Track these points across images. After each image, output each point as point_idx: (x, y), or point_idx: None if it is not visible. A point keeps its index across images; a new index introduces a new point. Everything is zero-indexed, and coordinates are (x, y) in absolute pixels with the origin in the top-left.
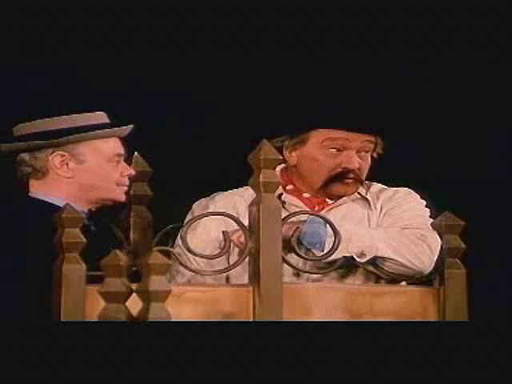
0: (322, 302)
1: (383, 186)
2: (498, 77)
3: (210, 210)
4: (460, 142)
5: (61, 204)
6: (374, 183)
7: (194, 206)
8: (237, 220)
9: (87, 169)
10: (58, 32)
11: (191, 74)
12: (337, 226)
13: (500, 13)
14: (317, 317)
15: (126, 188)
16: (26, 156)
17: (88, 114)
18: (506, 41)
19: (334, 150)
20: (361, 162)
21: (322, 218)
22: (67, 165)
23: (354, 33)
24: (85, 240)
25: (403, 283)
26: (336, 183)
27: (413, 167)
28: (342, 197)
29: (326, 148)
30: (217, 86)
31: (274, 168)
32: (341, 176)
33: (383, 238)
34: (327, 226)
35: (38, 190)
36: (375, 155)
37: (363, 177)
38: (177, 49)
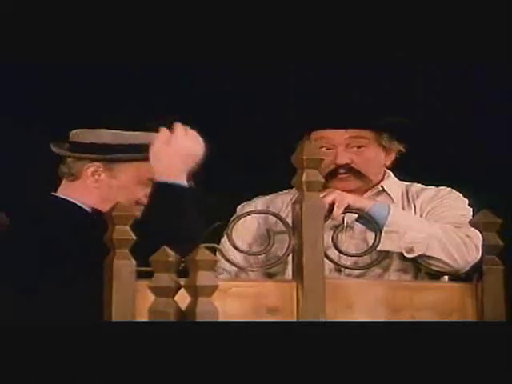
0: (364, 296)
1: (423, 186)
2: (498, 76)
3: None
4: (460, 142)
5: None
6: (415, 183)
7: (237, 208)
8: (281, 218)
9: (115, 185)
10: (57, 31)
11: (192, 74)
12: (395, 217)
13: (500, 13)
14: (358, 311)
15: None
16: (68, 158)
17: (141, 133)
18: (506, 41)
19: (325, 148)
20: (353, 157)
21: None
22: (99, 175)
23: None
24: (135, 237)
25: (445, 278)
26: (332, 180)
27: (415, 167)
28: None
29: (318, 148)
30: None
31: (317, 168)
32: (335, 172)
33: (439, 236)
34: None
35: (63, 190)
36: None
37: (366, 172)
38: (177, 49)
